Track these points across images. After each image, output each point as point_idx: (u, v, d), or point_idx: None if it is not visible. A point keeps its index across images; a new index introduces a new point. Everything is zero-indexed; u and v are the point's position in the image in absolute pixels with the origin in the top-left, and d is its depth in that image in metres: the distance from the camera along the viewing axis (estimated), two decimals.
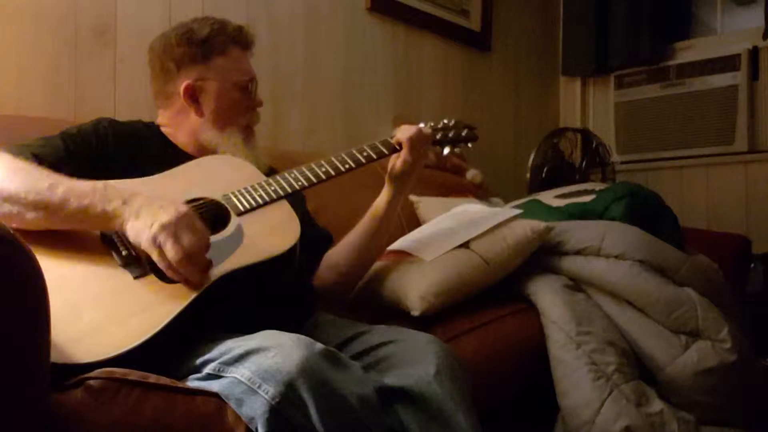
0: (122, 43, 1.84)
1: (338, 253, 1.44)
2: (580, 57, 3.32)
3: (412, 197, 2.21)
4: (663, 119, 3.14)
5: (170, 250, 0.99)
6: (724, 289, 1.82)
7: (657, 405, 1.53)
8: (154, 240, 1.00)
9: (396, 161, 1.41)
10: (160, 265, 1.01)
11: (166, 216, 1.01)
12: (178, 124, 1.38)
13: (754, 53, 2.91)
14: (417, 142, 1.40)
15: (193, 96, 1.36)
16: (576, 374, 1.53)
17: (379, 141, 1.41)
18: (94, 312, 0.98)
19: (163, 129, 1.39)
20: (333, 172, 1.31)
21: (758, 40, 2.88)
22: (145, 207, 1.03)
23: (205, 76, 1.36)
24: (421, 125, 1.47)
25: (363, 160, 1.35)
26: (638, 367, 1.61)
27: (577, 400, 1.52)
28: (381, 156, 1.39)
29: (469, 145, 1.56)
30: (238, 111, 1.39)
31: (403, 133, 1.41)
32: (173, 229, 1.00)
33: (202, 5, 2.00)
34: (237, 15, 1.99)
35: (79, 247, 1.06)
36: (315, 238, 1.43)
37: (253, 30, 1.44)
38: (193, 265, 1.01)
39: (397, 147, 1.41)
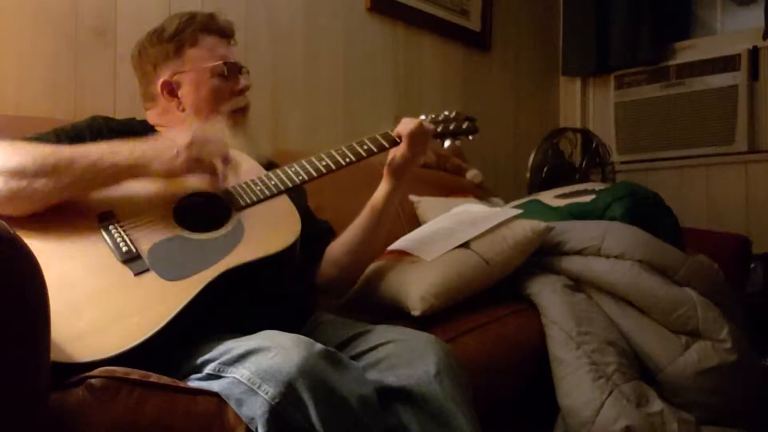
0: (122, 43, 1.84)
1: (338, 248, 1.42)
2: (580, 57, 3.32)
3: (412, 197, 2.22)
4: (663, 119, 3.14)
5: (213, 148, 1.09)
6: (724, 289, 1.82)
7: (657, 405, 1.53)
8: (190, 151, 1.07)
9: (396, 154, 1.40)
10: (201, 170, 1.09)
11: (185, 134, 1.09)
12: (167, 122, 1.38)
13: (754, 53, 2.91)
14: (417, 136, 1.39)
15: (171, 92, 1.36)
16: (576, 374, 1.53)
17: (380, 134, 1.39)
18: (94, 310, 0.98)
19: (156, 127, 1.39)
20: (334, 166, 1.29)
21: (758, 40, 2.89)
22: (159, 141, 1.10)
23: (180, 69, 1.36)
24: (422, 117, 1.46)
25: (363, 154, 1.34)
26: (638, 367, 1.61)
27: (577, 400, 1.51)
28: (382, 149, 1.37)
29: (470, 137, 1.54)
30: (220, 98, 1.36)
31: (404, 126, 1.39)
32: (200, 135, 1.08)
33: (202, 5, 2.00)
34: (236, 15, 1.99)
35: (79, 244, 1.06)
36: (317, 232, 1.42)
37: (225, 16, 1.42)
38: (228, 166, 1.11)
39: (398, 140, 1.39)
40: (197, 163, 1.09)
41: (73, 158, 1.05)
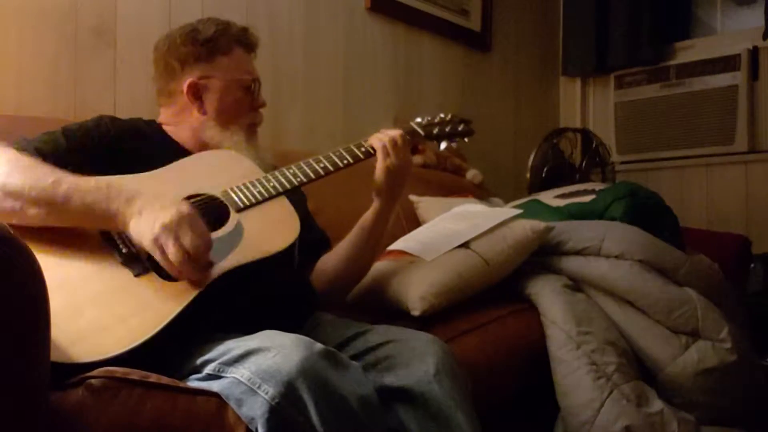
0: (122, 43, 1.84)
1: (329, 261, 1.42)
2: (580, 57, 3.32)
3: (412, 197, 2.22)
4: (663, 119, 3.14)
5: (171, 250, 1.00)
6: (724, 289, 1.82)
7: (657, 405, 1.53)
8: (156, 240, 1.00)
9: (375, 171, 1.36)
10: (163, 264, 1.02)
11: (167, 216, 1.01)
12: (181, 122, 1.38)
13: (754, 53, 2.91)
14: (390, 149, 1.34)
15: (196, 94, 1.36)
16: (576, 374, 1.53)
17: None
18: (95, 311, 0.98)
19: (164, 126, 1.39)
20: (332, 168, 1.30)
21: (758, 40, 2.89)
22: (147, 207, 1.03)
23: (209, 74, 1.36)
24: (418, 120, 1.46)
25: (361, 156, 1.34)
26: (638, 367, 1.61)
27: (577, 400, 1.52)
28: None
29: (466, 139, 1.53)
30: (242, 110, 1.39)
31: (376, 140, 1.36)
32: (175, 229, 1.01)
33: (202, 5, 2.00)
34: (237, 15, 1.99)
35: (80, 245, 1.06)
36: (312, 240, 1.41)
37: (256, 32, 1.45)
38: (194, 265, 1.02)
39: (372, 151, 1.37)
40: (161, 249, 1.01)
41: (69, 196, 1.03)
